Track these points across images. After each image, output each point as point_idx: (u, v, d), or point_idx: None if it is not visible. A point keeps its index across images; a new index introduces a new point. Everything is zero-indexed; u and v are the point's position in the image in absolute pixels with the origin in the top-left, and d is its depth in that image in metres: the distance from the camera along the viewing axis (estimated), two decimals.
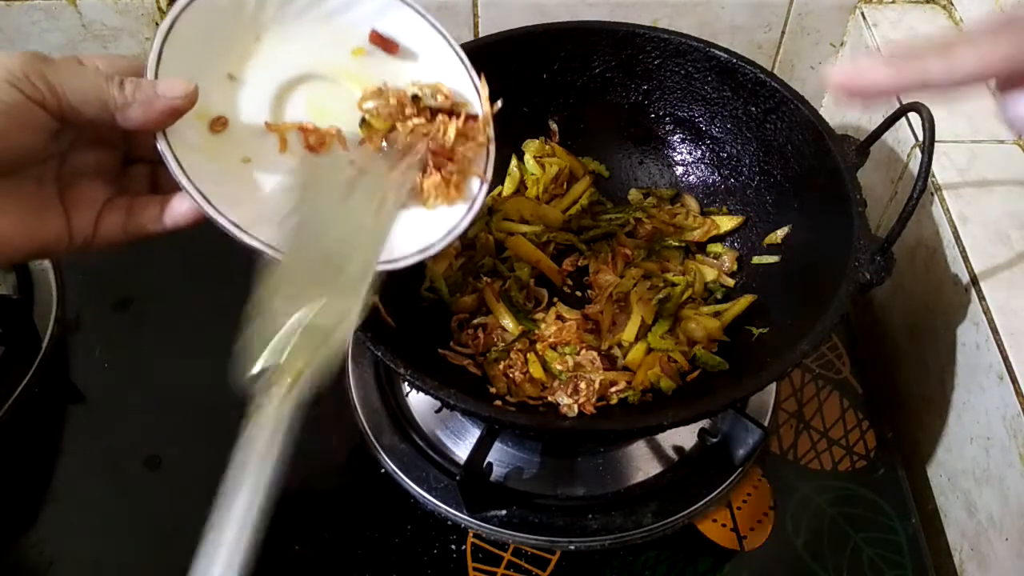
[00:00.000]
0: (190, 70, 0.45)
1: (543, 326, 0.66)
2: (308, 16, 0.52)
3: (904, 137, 0.71)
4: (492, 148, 0.55)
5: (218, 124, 0.48)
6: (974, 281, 0.60)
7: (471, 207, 0.54)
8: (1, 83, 0.39)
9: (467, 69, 0.55)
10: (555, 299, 0.69)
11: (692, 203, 0.75)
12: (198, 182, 0.45)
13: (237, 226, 0.46)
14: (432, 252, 0.52)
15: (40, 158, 0.43)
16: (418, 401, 0.69)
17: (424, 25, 0.54)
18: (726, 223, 0.73)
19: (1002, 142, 0.70)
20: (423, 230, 0.53)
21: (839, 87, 0.40)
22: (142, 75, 0.45)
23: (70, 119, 0.42)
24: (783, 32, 0.86)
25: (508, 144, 0.74)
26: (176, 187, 0.44)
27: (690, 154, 0.76)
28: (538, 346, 0.65)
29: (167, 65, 0.45)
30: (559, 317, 0.67)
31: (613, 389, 0.62)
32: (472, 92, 0.55)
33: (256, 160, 0.49)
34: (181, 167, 0.44)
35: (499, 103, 0.55)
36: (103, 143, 0.47)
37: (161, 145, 0.44)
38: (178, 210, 0.47)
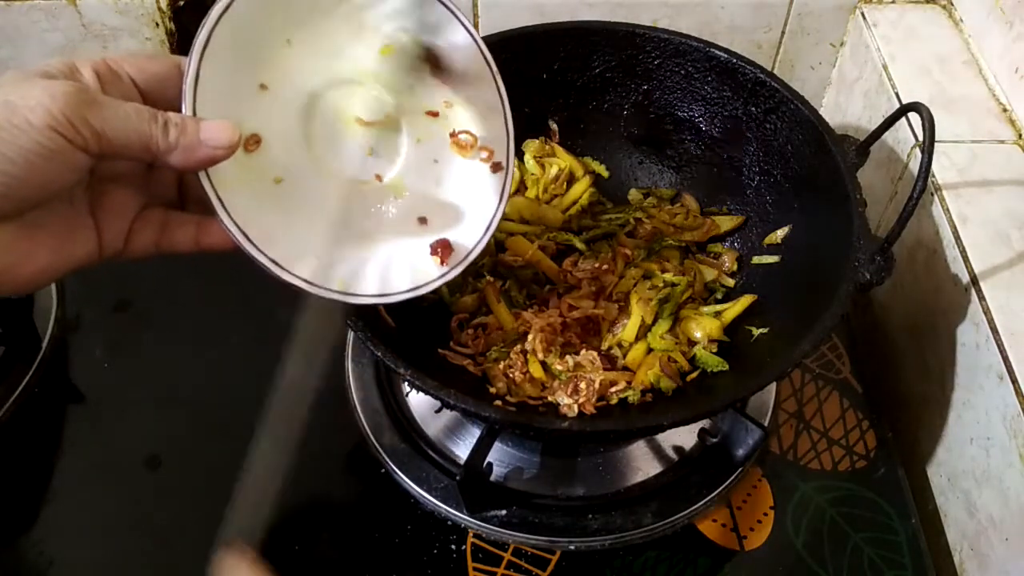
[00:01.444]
0: (227, 85, 0.45)
1: None
2: (338, 12, 0.51)
3: (904, 137, 0.71)
4: (510, 171, 0.57)
5: (251, 143, 0.47)
6: (974, 281, 0.60)
7: (487, 230, 0.56)
8: (43, 128, 0.37)
9: (492, 72, 0.55)
10: None
11: (692, 203, 0.75)
12: (237, 217, 0.45)
13: (276, 263, 0.46)
14: (459, 269, 0.55)
15: (75, 188, 0.43)
16: (418, 401, 0.69)
17: (453, 22, 0.53)
18: (726, 223, 0.73)
19: (1002, 142, 0.70)
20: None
21: None
22: (175, 74, 0.44)
23: (109, 157, 0.41)
24: (783, 32, 0.86)
25: None
26: (204, 194, 0.44)
27: (690, 154, 0.76)
28: None
29: (204, 83, 0.44)
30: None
31: (613, 389, 0.62)
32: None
33: (287, 180, 0.49)
34: (223, 205, 0.44)
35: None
36: None
37: (205, 183, 0.44)
38: (214, 236, 0.47)
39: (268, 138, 0.48)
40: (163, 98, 0.44)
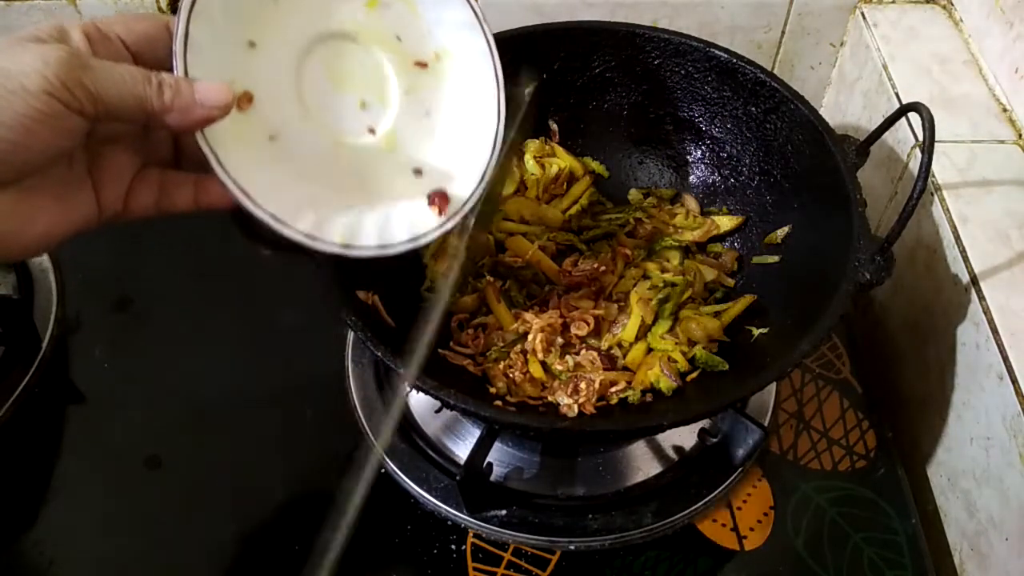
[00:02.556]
0: (216, 44, 0.45)
1: None
2: None
3: (904, 137, 0.71)
4: (502, 107, 0.56)
5: (244, 101, 0.47)
6: (974, 281, 0.60)
7: (483, 177, 0.55)
8: (38, 92, 0.38)
9: (482, 26, 0.55)
10: None
11: (692, 203, 0.75)
12: (234, 174, 0.45)
13: (276, 219, 0.46)
14: (457, 219, 0.55)
15: (72, 152, 0.43)
16: (418, 401, 0.69)
17: None
18: (726, 223, 0.73)
19: (1002, 142, 0.70)
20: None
21: None
22: (163, 34, 0.44)
23: (105, 120, 0.41)
24: (783, 32, 0.86)
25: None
26: (201, 155, 0.44)
27: (690, 154, 0.76)
28: None
29: (194, 43, 0.44)
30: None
31: (613, 389, 0.62)
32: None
33: (282, 136, 0.49)
34: (220, 163, 0.44)
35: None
36: None
37: (201, 142, 0.44)
38: (213, 195, 0.48)
39: (260, 96, 0.48)
40: (153, 58, 0.44)
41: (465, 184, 0.55)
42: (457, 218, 0.54)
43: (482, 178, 0.56)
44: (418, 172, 0.55)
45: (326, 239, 0.49)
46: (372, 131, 0.54)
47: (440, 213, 0.54)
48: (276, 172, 0.48)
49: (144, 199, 0.47)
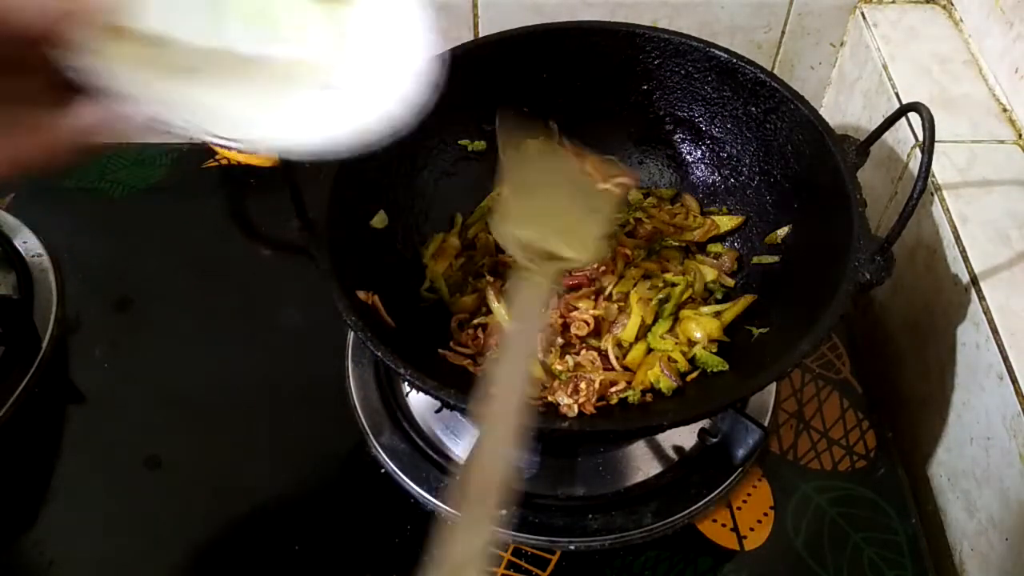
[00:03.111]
0: None
1: None
2: None
3: (904, 137, 0.71)
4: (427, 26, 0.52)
5: (147, 41, 0.43)
6: (974, 281, 0.60)
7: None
8: None
9: None
10: None
11: (692, 203, 0.75)
12: (136, 88, 0.41)
13: (188, 122, 0.43)
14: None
15: None
16: (418, 401, 0.69)
17: None
18: (726, 223, 0.73)
19: (1002, 142, 0.70)
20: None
21: None
22: None
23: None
24: (783, 32, 0.86)
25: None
26: (98, 80, 0.40)
27: (690, 154, 0.76)
28: None
29: None
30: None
31: (613, 389, 0.62)
32: None
33: (179, 53, 0.45)
34: (120, 78, 0.40)
35: None
36: None
37: (94, 63, 0.39)
38: (84, 120, 0.40)
39: (174, 40, 0.45)
40: None
41: (392, 96, 0.48)
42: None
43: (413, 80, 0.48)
44: (336, 89, 0.49)
45: (244, 137, 0.45)
46: (286, 50, 0.48)
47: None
48: (181, 88, 0.45)
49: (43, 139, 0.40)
